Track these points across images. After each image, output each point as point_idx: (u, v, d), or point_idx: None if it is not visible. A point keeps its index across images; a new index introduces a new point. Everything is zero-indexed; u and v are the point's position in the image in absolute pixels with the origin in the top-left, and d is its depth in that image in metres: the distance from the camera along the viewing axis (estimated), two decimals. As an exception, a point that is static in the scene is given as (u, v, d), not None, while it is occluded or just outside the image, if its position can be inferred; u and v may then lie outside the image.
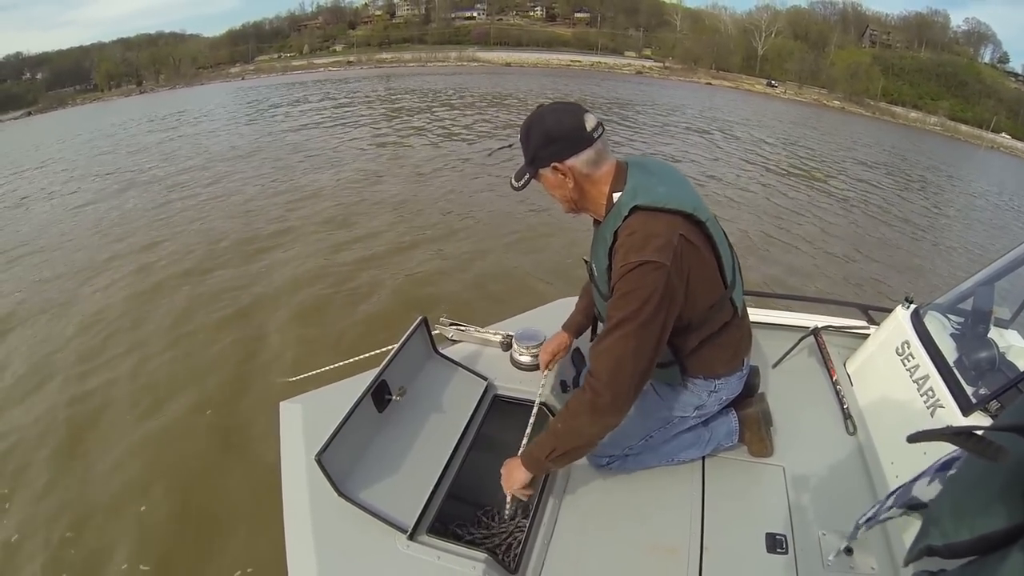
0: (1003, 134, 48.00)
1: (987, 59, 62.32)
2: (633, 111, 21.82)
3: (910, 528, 1.45)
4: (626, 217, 1.28)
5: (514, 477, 1.44)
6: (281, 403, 1.76)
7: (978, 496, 0.59)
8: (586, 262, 1.55)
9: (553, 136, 1.31)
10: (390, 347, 1.68)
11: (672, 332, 1.31)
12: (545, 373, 1.79)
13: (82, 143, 18.63)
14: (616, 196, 1.33)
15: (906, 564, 0.67)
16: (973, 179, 20.03)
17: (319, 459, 1.31)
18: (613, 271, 1.29)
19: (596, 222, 1.44)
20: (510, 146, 1.56)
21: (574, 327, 1.81)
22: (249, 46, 72.02)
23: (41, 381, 4.22)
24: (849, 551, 1.39)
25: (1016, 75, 60.23)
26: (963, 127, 50.53)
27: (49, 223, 8.66)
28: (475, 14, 73.02)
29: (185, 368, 4.12)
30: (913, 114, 52.71)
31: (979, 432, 0.56)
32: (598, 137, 1.32)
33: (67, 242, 7.54)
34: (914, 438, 0.64)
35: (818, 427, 1.81)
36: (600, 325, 1.72)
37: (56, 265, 6.66)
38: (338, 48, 71.46)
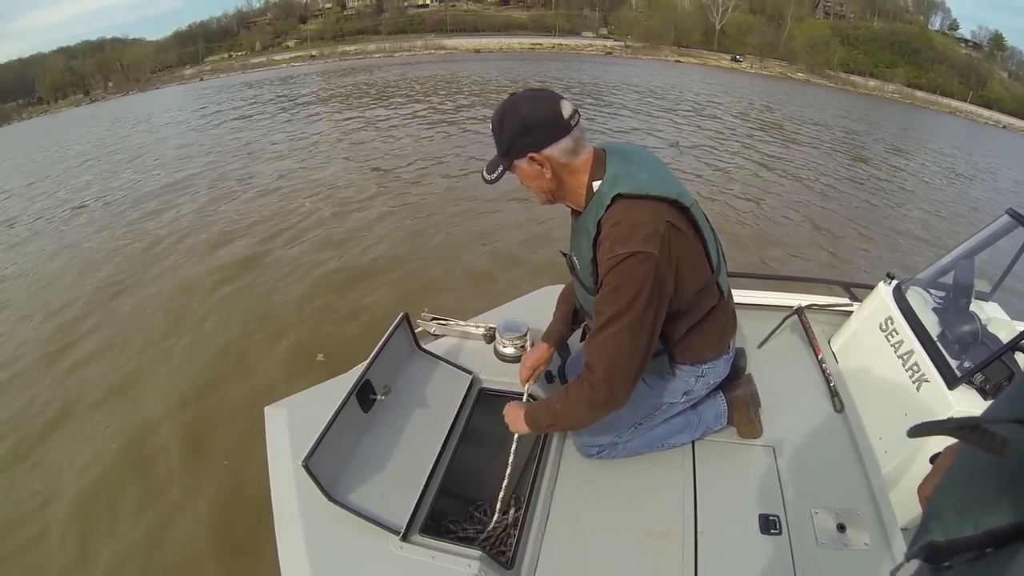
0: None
1: (937, 26, 63.86)
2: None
3: (902, 502, 1.46)
4: (608, 206, 1.24)
5: (516, 425, 1.52)
6: (266, 408, 1.72)
7: (982, 490, 0.58)
8: (565, 255, 1.52)
9: (529, 125, 1.25)
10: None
11: None
12: (526, 386, 1.71)
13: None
14: (596, 185, 1.29)
15: (907, 560, 0.65)
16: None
17: (307, 464, 1.28)
18: (599, 263, 1.26)
19: (575, 213, 1.40)
20: None
21: (554, 337, 1.74)
22: (198, 47, 69.29)
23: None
24: (842, 528, 1.40)
25: (966, 41, 61.84)
26: (919, 93, 51.88)
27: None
28: (428, 1, 71.09)
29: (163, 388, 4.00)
30: (872, 82, 53.90)
31: (982, 425, 0.53)
32: (575, 125, 1.28)
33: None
34: (914, 432, 0.62)
35: (805, 406, 1.82)
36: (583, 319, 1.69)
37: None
38: (291, 44, 69.28)
